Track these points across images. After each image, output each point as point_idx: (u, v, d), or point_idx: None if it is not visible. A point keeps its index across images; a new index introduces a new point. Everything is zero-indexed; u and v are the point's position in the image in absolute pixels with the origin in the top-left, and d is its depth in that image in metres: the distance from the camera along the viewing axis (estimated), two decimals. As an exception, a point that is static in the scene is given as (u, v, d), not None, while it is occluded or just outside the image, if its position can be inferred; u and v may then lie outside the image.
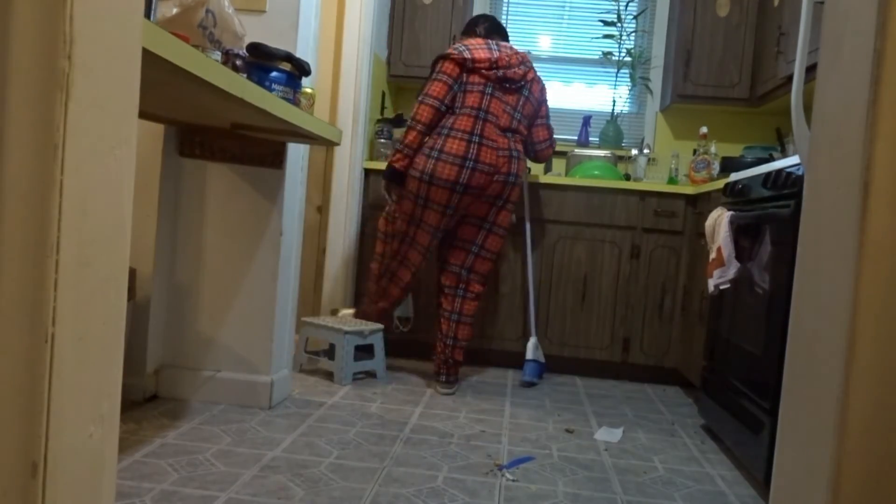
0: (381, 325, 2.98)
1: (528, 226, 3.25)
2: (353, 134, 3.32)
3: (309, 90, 2.22)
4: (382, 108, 3.72)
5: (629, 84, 3.88)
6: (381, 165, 3.43)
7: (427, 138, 2.77)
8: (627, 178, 3.65)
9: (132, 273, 2.37)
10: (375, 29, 3.39)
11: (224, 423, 2.22)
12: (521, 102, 2.86)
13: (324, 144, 2.60)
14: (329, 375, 2.95)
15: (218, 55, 1.83)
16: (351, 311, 3.25)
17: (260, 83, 1.86)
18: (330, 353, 3.01)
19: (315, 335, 2.97)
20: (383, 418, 2.41)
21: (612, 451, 2.27)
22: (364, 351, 3.03)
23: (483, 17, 2.99)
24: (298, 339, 3.03)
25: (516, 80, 2.82)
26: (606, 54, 3.85)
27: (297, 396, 2.61)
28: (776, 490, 1.02)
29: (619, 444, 2.35)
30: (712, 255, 2.39)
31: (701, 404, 2.65)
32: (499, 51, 2.82)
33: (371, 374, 3.03)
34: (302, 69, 1.99)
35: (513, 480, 1.93)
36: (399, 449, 2.12)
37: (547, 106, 2.99)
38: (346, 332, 2.83)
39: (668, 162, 3.80)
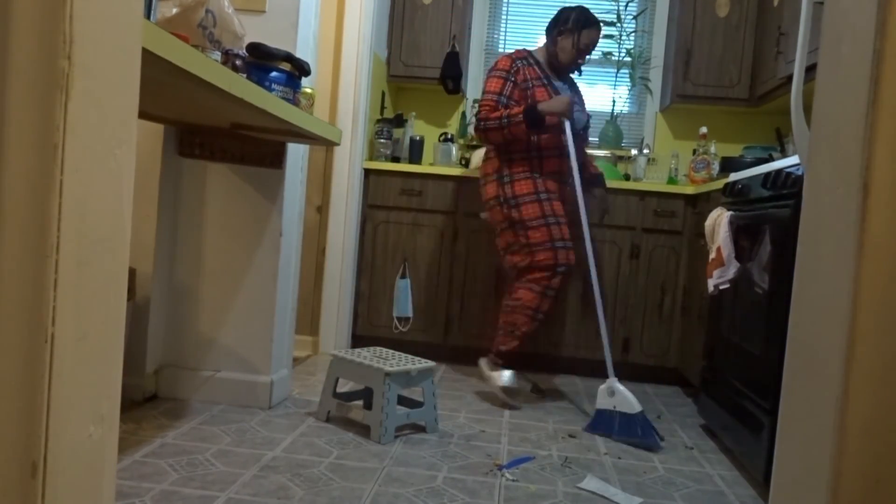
0: (431, 363, 2.32)
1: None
2: (353, 134, 3.32)
3: (309, 90, 2.22)
4: (382, 108, 3.72)
5: (629, 84, 3.88)
6: (381, 165, 3.43)
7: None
8: (627, 178, 3.65)
9: (132, 273, 2.37)
10: (375, 29, 3.39)
11: (224, 423, 2.22)
12: None
13: (324, 144, 2.60)
14: (364, 430, 2.26)
15: (218, 55, 1.83)
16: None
17: (260, 83, 1.86)
18: (366, 399, 2.44)
19: (346, 376, 2.30)
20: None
21: (612, 451, 2.27)
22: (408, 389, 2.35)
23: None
24: (327, 379, 2.36)
25: None
26: (606, 54, 3.85)
27: (297, 396, 2.61)
28: (776, 490, 1.02)
29: (618, 444, 2.35)
30: (712, 255, 2.39)
31: (701, 404, 2.65)
32: None
33: (420, 428, 2.35)
34: (302, 69, 1.98)
35: (513, 480, 1.93)
36: (399, 449, 2.12)
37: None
38: (389, 374, 2.17)
39: (667, 162, 3.80)
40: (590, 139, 3.07)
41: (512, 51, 2.88)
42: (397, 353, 2.43)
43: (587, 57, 2.89)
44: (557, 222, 2.73)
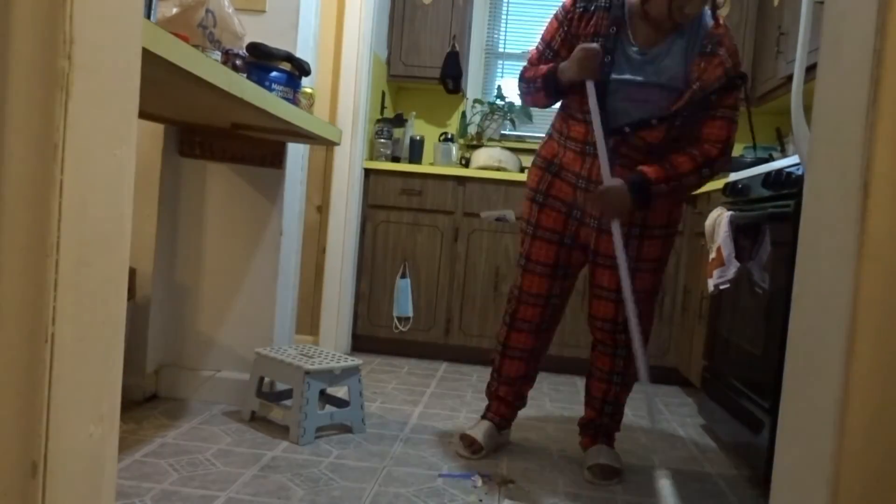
0: (357, 361, 2.22)
1: None
2: (353, 134, 3.32)
3: (309, 90, 2.22)
4: (382, 107, 3.72)
5: (629, 84, 3.86)
6: (381, 165, 3.43)
7: None
8: (627, 178, 3.64)
9: (132, 273, 2.37)
10: (375, 29, 3.39)
11: (224, 423, 2.22)
12: None
13: (324, 144, 2.60)
14: (284, 430, 2.15)
15: (218, 55, 1.83)
16: None
17: (260, 83, 1.86)
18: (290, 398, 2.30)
19: (269, 374, 2.23)
20: (383, 418, 2.41)
21: (612, 450, 2.27)
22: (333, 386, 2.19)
23: None
24: (250, 377, 2.27)
25: None
26: (606, 54, 3.84)
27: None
28: (776, 490, 1.02)
29: (619, 444, 2.35)
30: (712, 255, 2.39)
31: (701, 404, 2.65)
32: None
33: (346, 428, 2.24)
34: (302, 69, 1.99)
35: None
36: (399, 449, 2.11)
37: None
38: (309, 372, 2.07)
39: (667, 162, 3.79)
40: (648, 144, 2.03)
41: None
42: (326, 350, 2.33)
43: (688, 11, 1.84)
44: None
